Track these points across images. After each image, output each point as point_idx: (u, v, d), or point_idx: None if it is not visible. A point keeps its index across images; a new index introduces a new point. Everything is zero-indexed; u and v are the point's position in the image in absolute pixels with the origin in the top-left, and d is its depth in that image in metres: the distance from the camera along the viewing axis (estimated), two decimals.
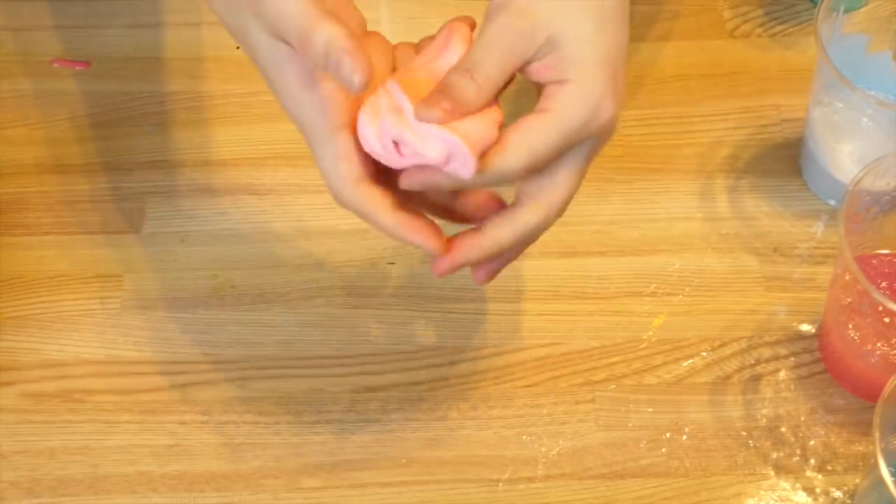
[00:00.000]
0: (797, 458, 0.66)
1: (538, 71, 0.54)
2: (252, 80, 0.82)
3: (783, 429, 0.67)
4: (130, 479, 0.66)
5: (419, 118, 0.52)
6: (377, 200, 0.54)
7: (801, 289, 0.72)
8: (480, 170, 0.53)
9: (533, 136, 0.53)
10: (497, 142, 0.53)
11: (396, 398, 0.69)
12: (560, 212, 0.57)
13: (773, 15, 0.86)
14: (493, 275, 0.60)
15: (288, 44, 0.53)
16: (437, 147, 0.52)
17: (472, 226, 0.57)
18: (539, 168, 0.54)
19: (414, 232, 0.55)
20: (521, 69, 0.55)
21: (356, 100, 0.54)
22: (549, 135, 0.53)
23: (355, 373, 0.70)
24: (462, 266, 0.57)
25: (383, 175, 0.55)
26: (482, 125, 0.53)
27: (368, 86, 0.51)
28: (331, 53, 0.50)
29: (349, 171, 0.54)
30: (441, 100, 0.52)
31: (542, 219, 0.56)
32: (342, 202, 0.55)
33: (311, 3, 0.51)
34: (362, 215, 0.55)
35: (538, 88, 0.55)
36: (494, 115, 0.54)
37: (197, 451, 0.67)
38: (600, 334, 0.71)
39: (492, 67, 0.53)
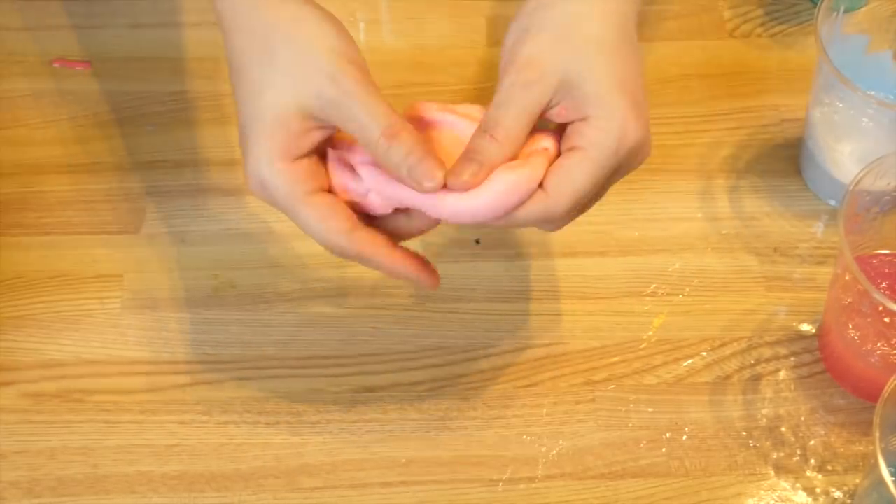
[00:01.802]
0: (797, 458, 0.66)
1: (559, 114, 0.57)
2: None
3: (783, 429, 0.67)
4: (130, 479, 0.66)
5: (452, 186, 0.55)
6: (377, 241, 0.57)
7: (801, 289, 0.72)
8: (515, 214, 0.55)
9: (571, 176, 0.55)
10: (539, 186, 0.56)
11: (396, 398, 0.69)
12: (562, 219, 0.58)
13: (773, 15, 0.86)
14: None
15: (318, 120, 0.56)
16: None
17: None
18: (585, 204, 0.57)
19: (412, 267, 0.58)
20: (542, 115, 0.57)
21: (318, 172, 0.57)
22: (586, 171, 0.55)
23: (355, 373, 0.70)
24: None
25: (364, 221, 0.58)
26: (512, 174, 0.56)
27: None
28: (412, 154, 0.55)
29: (341, 224, 0.56)
30: (467, 165, 0.55)
31: (542, 208, 0.57)
32: (343, 254, 0.57)
33: (390, 105, 0.56)
34: (364, 260, 0.57)
35: (560, 127, 0.57)
36: (536, 165, 0.56)
37: (197, 451, 0.67)
38: (600, 334, 0.71)
39: (510, 123, 0.56)
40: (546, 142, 0.57)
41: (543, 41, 0.56)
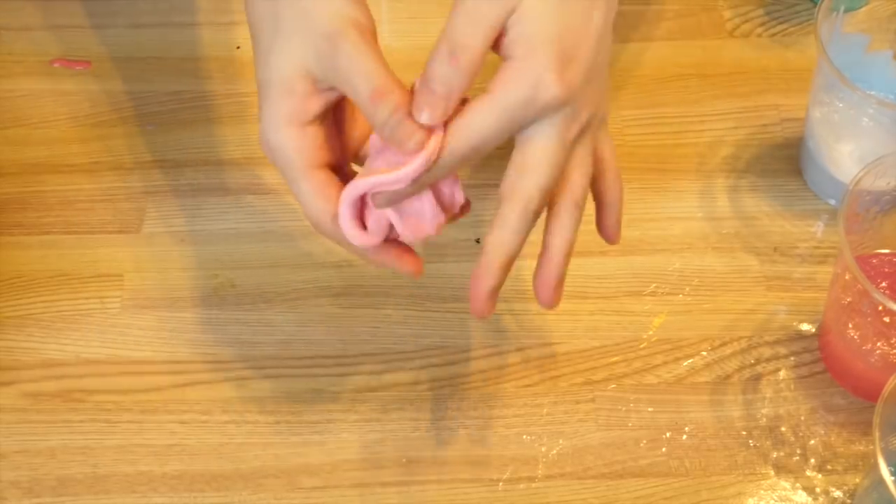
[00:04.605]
0: (797, 457, 0.66)
1: (502, 44, 0.54)
2: (252, 79, 0.82)
3: (783, 428, 0.67)
4: (130, 479, 0.66)
5: (419, 118, 0.53)
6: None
7: (801, 288, 0.72)
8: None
9: (474, 118, 0.54)
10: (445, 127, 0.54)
11: (396, 398, 0.69)
12: (540, 196, 0.55)
13: (773, 15, 0.86)
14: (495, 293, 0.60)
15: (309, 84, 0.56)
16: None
17: None
18: (485, 149, 0.54)
19: (392, 256, 0.58)
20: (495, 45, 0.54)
21: (324, 144, 0.57)
22: (489, 115, 0.53)
23: (355, 373, 0.70)
24: (489, 290, 0.59)
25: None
26: None
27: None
28: (394, 116, 0.53)
29: (328, 206, 0.56)
30: (427, 96, 0.53)
31: (521, 210, 0.55)
32: (326, 235, 0.58)
33: (385, 65, 0.55)
34: (344, 245, 0.58)
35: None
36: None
37: (197, 451, 0.67)
38: (600, 334, 0.71)
39: (471, 40, 0.53)
40: None
41: None
